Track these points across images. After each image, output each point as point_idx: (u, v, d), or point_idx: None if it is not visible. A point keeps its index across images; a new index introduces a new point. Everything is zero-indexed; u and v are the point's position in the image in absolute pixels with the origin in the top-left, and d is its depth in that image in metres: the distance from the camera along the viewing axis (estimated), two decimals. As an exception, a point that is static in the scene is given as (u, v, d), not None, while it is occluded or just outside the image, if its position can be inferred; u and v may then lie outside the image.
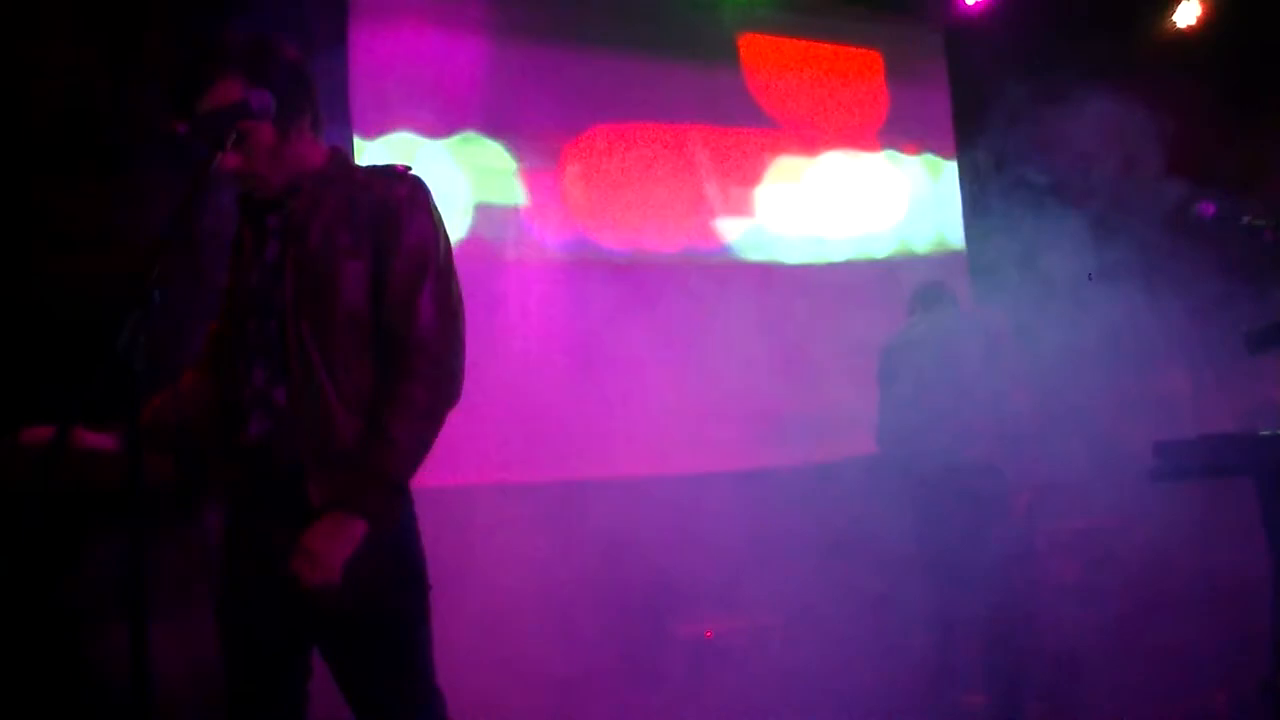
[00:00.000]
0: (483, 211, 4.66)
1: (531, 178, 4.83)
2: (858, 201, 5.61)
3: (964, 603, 3.87)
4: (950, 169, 5.83)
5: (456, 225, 4.42)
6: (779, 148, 5.46)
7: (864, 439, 4.83)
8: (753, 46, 5.39)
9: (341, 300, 2.26)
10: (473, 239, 4.56)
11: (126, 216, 3.31)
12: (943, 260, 5.72)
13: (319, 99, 2.40)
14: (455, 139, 4.67)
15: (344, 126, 4.19)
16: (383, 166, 2.41)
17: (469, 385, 2.34)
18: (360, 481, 2.19)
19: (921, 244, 5.75)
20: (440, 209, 2.38)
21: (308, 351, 2.25)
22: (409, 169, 2.38)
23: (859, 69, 5.65)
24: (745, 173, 5.33)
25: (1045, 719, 3.84)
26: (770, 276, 5.30)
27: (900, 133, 5.71)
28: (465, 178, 4.66)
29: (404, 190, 2.32)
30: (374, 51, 4.51)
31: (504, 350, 4.48)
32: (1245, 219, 3.33)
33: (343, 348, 2.26)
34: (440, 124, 4.65)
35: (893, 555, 4.35)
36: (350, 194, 2.33)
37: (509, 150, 4.79)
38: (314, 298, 2.26)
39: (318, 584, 2.15)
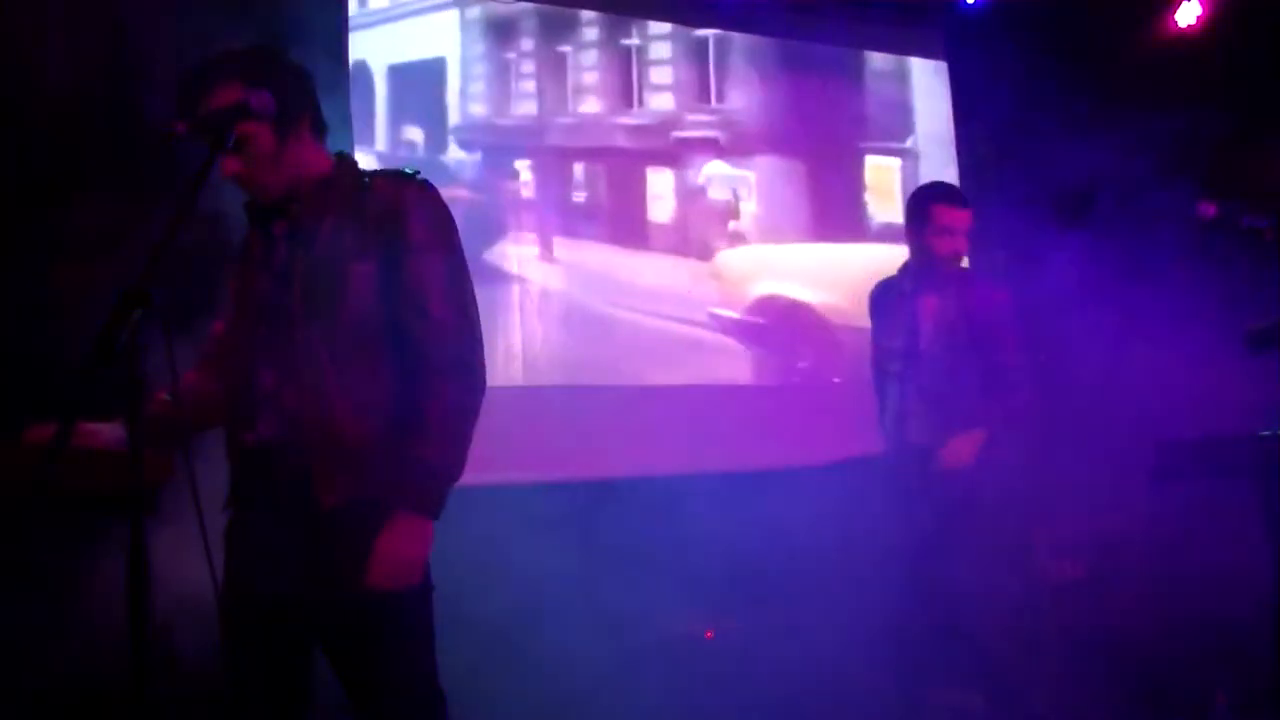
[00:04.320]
0: (484, 213, 4.66)
1: (535, 179, 4.84)
2: (856, 202, 5.60)
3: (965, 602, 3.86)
4: (949, 170, 5.81)
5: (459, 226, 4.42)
6: (779, 148, 5.46)
7: (868, 440, 4.84)
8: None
9: (350, 303, 2.29)
10: (473, 240, 4.56)
11: (127, 218, 3.32)
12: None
13: (320, 105, 2.42)
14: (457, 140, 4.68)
15: (345, 131, 4.19)
16: (390, 170, 2.44)
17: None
18: (420, 480, 2.25)
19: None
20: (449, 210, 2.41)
21: (317, 354, 2.28)
22: (417, 172, 2.40)
23: (858, 69, 5.64)
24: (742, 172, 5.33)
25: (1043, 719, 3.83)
26: (770, 277, 5.30)
27: (899, 133, 5.71)
28: (466, 178, 4.66)
29: (412, 192, 2.35)
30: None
31: (504, 349, 4.49)
32: (1245, 219, 3.34)
33: (352, 350, 2.29)
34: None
35: (893, 555, 4.35)
36: (357, 197, 2.35)
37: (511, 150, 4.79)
38: (322, 301, 2.29)
39: (400, 588, 2.24)
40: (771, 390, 5.14)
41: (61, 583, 3.11)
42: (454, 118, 4.76)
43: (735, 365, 5.17)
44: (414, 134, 4.70)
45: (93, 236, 3.39)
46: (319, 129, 2.42)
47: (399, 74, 4.65)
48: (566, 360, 4.74)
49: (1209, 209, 3.34)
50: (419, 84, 4.72)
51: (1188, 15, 5.32)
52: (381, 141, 4.62)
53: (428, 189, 2.37)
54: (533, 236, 4.85)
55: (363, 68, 4.57)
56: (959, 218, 3.90)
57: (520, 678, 3.79)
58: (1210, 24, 5.25)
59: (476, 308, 2.38)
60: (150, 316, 1.80)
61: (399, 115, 4.65)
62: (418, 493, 2.25)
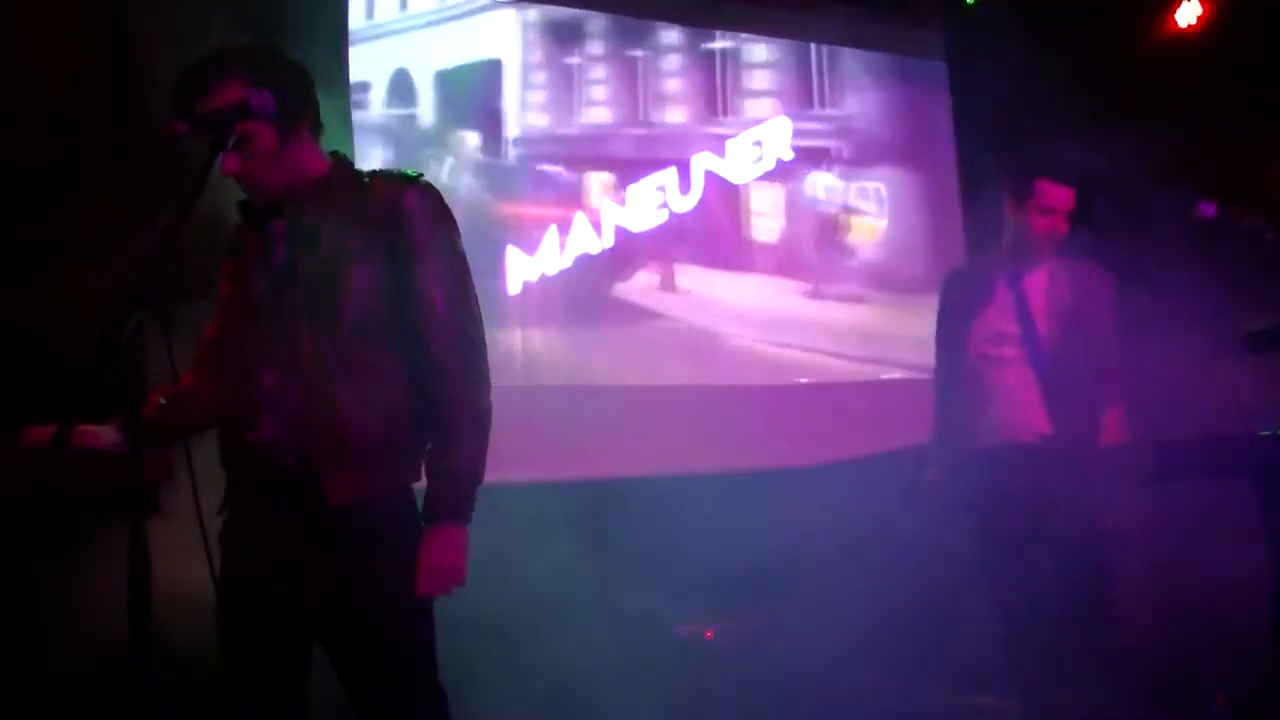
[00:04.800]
0: (483, 214, 4.66)
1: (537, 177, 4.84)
2: (855, 203, 5.59)
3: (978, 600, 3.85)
4: (949, 170, 5.81)
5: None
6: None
7: (866, 440, 4.85)
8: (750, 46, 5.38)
9: (354, 304, 2.31)
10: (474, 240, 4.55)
11: (127, 218, 3.32)
12: (942, 263, 5.70)
13: (319, 104, 2.43)
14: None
15: (345, 130, 4.19)
16: (393, 171, 2.46)
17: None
18: (450, 488, 2.32)
19: (921, 245, 5.73)
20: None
21: (321, 354, 2.29)
22: (420, 175, 2.42)
23: (857, 69, 5.63)
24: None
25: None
26: (770, 280, 5.30)
27: (899, 134, 5.70)
28: (467, 178, 4.66)
29: (415, 195, 2.36)
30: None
31: (504, 347, 4.48)
32: (1245, 219, 3.34)
33: (356, 350, 2.31)
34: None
35: (894, 554, 4.35)
36: (359, 198, 2.36)
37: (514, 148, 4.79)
38: (326, 301, 2.31)
39: (449, 592, 2.33)
40: (773, 390, 5.13)
41: (61, 583, 3.11)
42: (513, 129, 4.66)
43: (737, 366, 5.16)
44: (469, 141, 4.61)
45: (93, 236, 3.39)
46: (317, 129, 2.42)
47: (448, 80, 4.55)
48: (567, 360, 4.74)
49: (1209, 209, 3.34)
50: (470, 91, 4.60)
51: (1188, 15, 5.31)
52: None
53: (430, 191, 2.39)
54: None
55: (403, 75, 4.50)
56: (1064, 196, 3.66)
57: (521, 677, 3.79)
58: (1210, 24, 5.25)
59: (479, 309, 2.40)
60: (150, 316, 1.81)
61: (447, 124, 4.56)
62: (452, 501, 2.31)
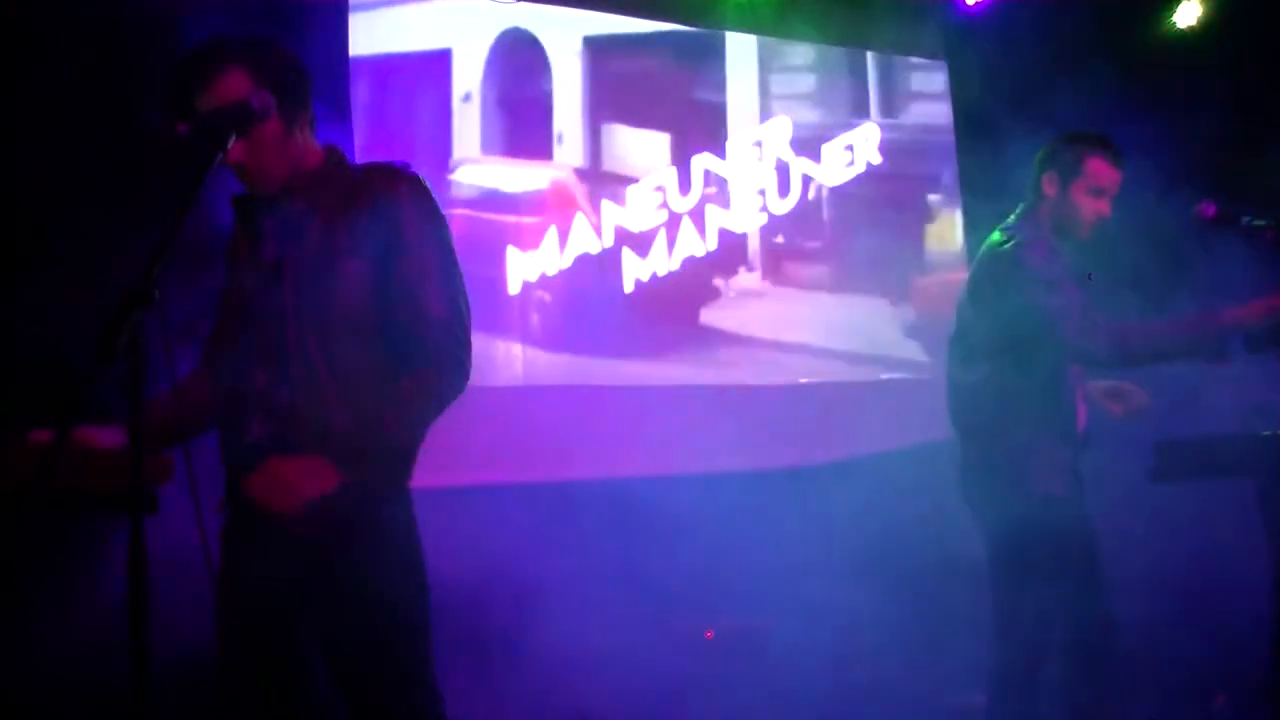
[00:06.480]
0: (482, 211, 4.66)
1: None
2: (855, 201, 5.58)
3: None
4: (950, 172, 5.81)
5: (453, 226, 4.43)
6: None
7: (864, 440, 4.85)
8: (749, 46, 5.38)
9: (342, 300, 2.28)
10: (471, 237, 4.55)
11: (127, 218, 3.32)
12: (944, 263, 5.70)
13: (315, 100, 2.42)
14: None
15: (344, 124, 4.19)
16: (380, 164, 2.42)
17: (471, 383, 2.35)
18: (356, 435, 2.20)
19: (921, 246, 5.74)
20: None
21: (309, 352, 2.26)
22: (407, 166, 2.39)
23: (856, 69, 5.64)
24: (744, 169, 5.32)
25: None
26: (774, 275, 5.30)
27: (899, 134, 5.70)
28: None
29: (403, 187, 2.33)
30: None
31: (503, 346, 4.48)
32: (1245, 219, 3.33)
33: (344, 347, 2.28)
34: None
35: (895, 554, 4.35)
36: (348, 193, 2.34)
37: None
38: (314, 298, 2.28)
39: (274, 509, 2.13)
40: (776, 389, 5.13)
41: (61, 583, 3.11)
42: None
43: (739, 365, 5.16)
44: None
45: (92, 237, 3.39)
46: (313, 122, 2.41)
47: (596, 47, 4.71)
48: (567, 360, 4.73)
49: (1209, 209, 3.33)
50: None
51: (1188, 15, 5.32)
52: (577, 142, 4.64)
53: (419, 184, 2.35)
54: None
55: (530, 41, 4.60)
56: (1114, 178, 3.33)
57: (520, 678, 3.79)
58: (1210, 24, 5.25)
59: (468, 303, 2.37)
60: (150, 316, 1.80)
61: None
62: (348, 447, 2.19)
